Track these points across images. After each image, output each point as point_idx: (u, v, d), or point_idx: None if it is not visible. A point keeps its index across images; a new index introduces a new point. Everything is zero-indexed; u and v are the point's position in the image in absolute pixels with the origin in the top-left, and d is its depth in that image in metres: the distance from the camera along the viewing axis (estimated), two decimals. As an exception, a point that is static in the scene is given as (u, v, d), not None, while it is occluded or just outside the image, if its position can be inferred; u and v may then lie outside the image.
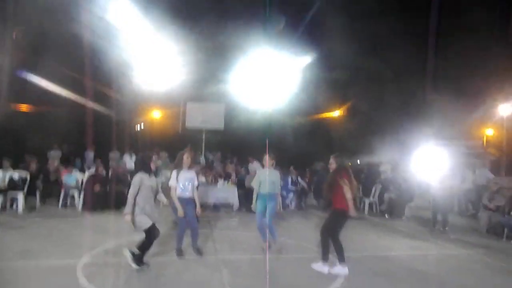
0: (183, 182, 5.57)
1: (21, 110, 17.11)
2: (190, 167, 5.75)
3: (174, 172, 5.57)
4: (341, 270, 5.03)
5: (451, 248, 7.01)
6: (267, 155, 6.36)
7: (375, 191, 10.87)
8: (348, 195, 5.03)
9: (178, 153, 5.80)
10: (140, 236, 4.88)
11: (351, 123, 17.50)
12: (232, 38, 18.08)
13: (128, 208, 4.78)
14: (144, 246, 4.81)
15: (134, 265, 4.73)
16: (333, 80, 17.19)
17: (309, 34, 16.21)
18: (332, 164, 5.37)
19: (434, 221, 8.55)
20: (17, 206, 8.67)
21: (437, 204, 8.57)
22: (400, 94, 16.78)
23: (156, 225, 4.87)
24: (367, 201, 10.80)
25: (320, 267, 5.13)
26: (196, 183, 5.79)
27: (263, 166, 6.86)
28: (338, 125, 18.61)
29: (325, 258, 5.15)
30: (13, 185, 8.76)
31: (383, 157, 13.00)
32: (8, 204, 8.77)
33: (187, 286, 4.45)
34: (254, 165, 12.16)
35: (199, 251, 5.68)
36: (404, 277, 5.22)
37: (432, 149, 11.50)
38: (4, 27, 13.53)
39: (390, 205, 10.37)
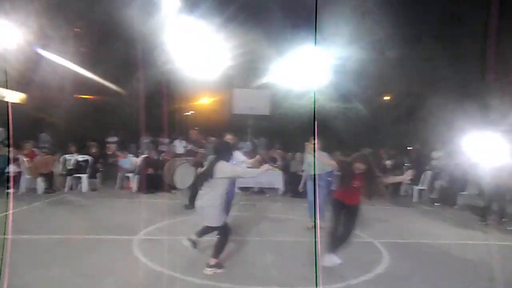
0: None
1: (82, 100, 18.48)
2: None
3: None
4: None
5: (507, 239, 6.65)
6: (314, 138, 6.59)
7: (424, 178, 10.49)
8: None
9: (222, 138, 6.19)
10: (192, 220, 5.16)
11: (401, 107, 16.76)
12: (277, 22, 17.95)
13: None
14: (222, 246, 4.42)
15: (219, 270, 4.37)
16: (382, 62, 16.50)
17: (359, 14, 15.63)
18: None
19: (488, 211, 8.08)
20: (81, 186, 9.57)
21: (494, 193, 8.07)
22: (457, 75, 15.72)
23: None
24: (415, 188, 10.46)
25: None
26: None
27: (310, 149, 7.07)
28: (388, 109, 17.92)
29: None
30: (78, 168, 9.69)
31: (436, 143, 12.41)
32: (74, 185, 9.72)
33: (232, 266, 4.65)
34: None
35: None
36: (449, 264, 5.10)
37: (490, 135, 10.77)
38: (66, 23, 14.60)
39: (441, 193, 9.98)
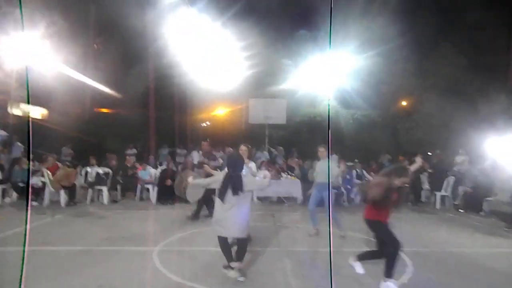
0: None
1: (102, 114, 18.93)
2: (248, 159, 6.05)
3: None
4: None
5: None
6: (322, 147, 6.63)
7: (447, 184, 10.21)
8: None
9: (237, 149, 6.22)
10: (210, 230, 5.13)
11: (420, 113, 16.45)
12: (292, 33, 18.06)
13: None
14: (242, 253, 4.48)
15: (242, 278, 4.38)
16: (400, 69, 16.34)
17: (374, 24, 15.57)
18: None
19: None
20: (102, 198, 9.74)
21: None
22: (478, 79, 15.37)
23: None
24: (438, 195, 10.18)
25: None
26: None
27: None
28: (406, 116, 17.62)
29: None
30: (99, 180, 9.87)
31: (459, 148, 12.11)
32: (95, 197, 9.90)
33: (252, 275, 4.61)
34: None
35: None
36: (473, 274, 4.89)
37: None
38: (86, 39, 15.08)
39: (465, 199, 9.69)
